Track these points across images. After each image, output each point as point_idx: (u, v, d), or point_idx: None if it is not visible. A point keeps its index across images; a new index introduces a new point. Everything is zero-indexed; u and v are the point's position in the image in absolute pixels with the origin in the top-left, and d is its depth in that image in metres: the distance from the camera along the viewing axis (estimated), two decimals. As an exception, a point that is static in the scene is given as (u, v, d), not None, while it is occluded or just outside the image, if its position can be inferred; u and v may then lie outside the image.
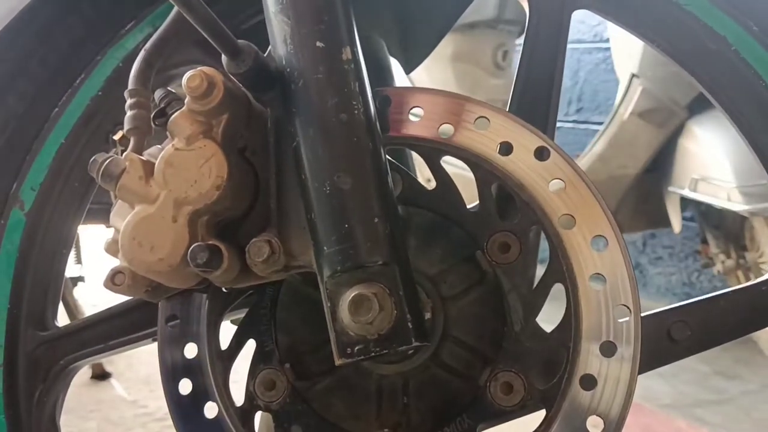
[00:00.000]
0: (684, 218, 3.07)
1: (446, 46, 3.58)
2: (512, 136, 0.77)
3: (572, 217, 0.74)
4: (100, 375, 2.83)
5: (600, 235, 0.73)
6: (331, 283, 0.69)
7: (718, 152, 2.56)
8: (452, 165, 0.81)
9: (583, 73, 4.09)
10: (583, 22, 4.02)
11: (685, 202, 2.88)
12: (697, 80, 0.81)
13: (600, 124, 3.30)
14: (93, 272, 3.08)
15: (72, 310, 2.82)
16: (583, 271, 0.74)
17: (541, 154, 0.76)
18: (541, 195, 0.75)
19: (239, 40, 0.69)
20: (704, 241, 3.13)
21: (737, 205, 2.42)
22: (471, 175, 0.79)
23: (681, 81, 2.62)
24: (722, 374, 2.81)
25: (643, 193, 3.11)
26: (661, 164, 3.01)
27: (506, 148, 0.77)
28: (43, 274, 1.01)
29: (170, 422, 0.84)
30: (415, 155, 0.88)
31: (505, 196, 0.79)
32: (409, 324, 0.68)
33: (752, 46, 0.79)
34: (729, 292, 0.79)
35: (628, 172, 3.05)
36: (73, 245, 3.30)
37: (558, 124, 0.83)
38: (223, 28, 0.68)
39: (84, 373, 2.74)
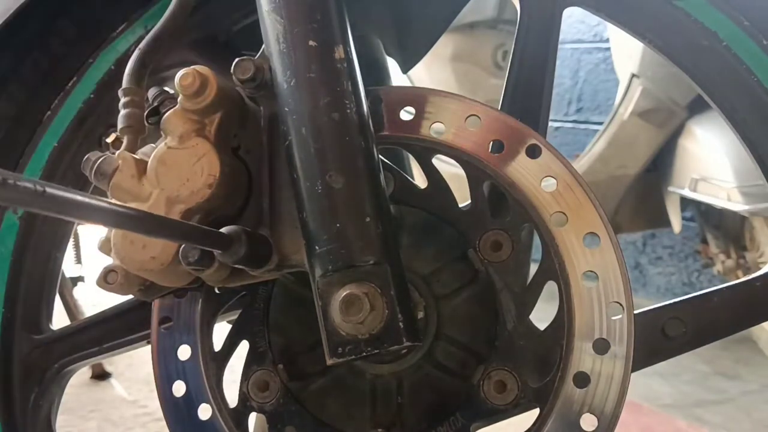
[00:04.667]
0: (684, 218, 3.07)
1: (446, 46, 3.58)
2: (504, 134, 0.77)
3: (564, 214, 0.74)
4: (100, 375, 2.82)
5: (592, 233, 0.73)
6: (323, 283, 0.69)
7: (718, 152, 2.56)
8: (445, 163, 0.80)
9: (583, 73, 4.08)
10: (583, 22, 4.01)
11: (685, 202, 2.87)
12: (690, 76, 0.81)
13: (600, 124, 3.30)
14: (93, 272, 3.07)
15: (72, 310, 2.81)
16: (576, 268, 0.73)
17: (533, 152, 0.76)
18: (532, 193, 0.75)
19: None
20: (704, 241, 3.13)
21: (737, 205, 2.42)
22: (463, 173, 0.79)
23: (681, 81, 2.59)
24: (722, 374, 2.80)
25: (643, 193, 3.10)
26: (661, 164, 3.00)
27: (498, 146, 0.77)
28: (37, 278, 1.01)
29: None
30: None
31: (498, 195, 0.78)
32: (401, 324, 0.67)
33: (743, 41, 0.78)
34: (723, 288, 0.78)
35: (628, 172, 3.05)
36: (73, 245, 3.27)
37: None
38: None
39: (84, 373, 2.73)
